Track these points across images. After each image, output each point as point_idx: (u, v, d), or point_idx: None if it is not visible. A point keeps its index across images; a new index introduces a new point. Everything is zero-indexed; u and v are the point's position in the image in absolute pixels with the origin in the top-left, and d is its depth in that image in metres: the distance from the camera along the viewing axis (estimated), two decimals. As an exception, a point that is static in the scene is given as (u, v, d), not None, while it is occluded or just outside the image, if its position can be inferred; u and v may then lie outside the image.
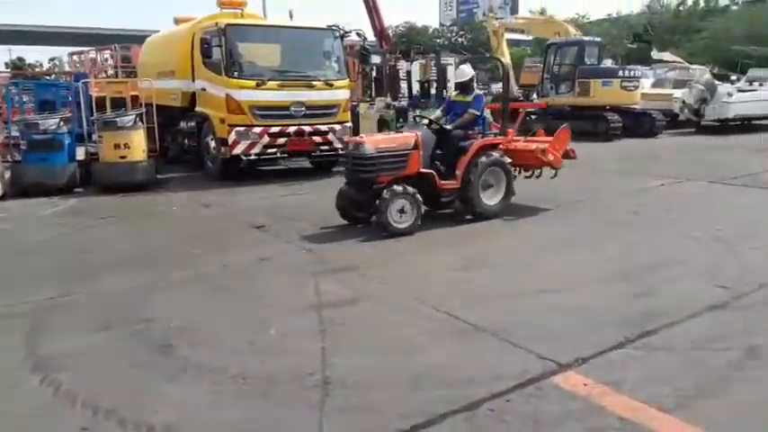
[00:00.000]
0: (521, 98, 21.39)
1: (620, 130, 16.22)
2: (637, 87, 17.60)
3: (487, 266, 5.26)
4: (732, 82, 19.54)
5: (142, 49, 14.05)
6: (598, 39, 19.60)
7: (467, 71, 7.58)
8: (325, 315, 4.23)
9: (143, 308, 4.47)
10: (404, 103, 12.08)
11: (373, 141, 6.57)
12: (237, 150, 9.66)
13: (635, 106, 17.48)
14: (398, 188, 6.29)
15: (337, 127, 10.32)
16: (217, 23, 9.87)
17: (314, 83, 10.10)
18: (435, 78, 12.20)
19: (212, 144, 10.22)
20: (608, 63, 23.14)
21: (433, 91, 12.25)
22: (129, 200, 8.92)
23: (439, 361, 3.49)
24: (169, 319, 4.23)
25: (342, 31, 10.63)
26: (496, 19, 21.68)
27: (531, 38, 28.93)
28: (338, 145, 10.35)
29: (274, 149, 9.89)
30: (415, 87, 13.09)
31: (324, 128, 10.19)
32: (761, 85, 19.61)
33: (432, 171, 6.73)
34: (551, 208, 7.67)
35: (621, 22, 50.02)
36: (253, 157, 9.79)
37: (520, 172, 7.77)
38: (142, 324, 4.16)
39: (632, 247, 5.82)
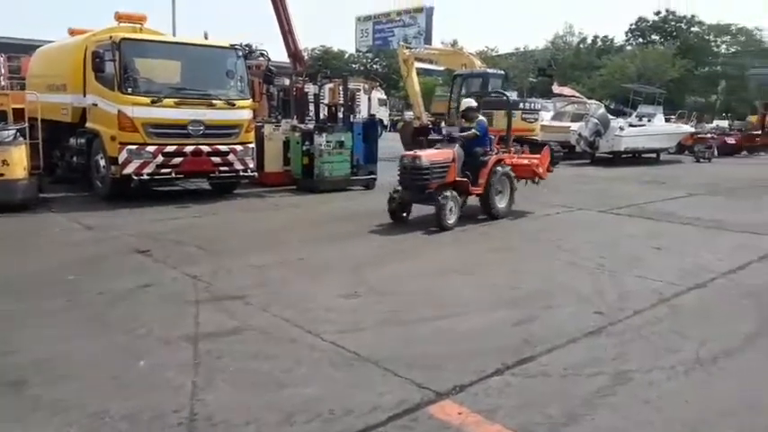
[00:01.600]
0: (430, 126, 21.97)
1: (522, 159, 16.95)
2: (537, 119, 18.59)
3: (378, 293, 5.23)
4: (624, 117, 21.00)
5: (32, 60, 13.20)
6: (501, 71, 20.54)
7: (466, 102, 9.36)
8: (202, 347, 4.03)
9: (1, 339, 4.08)
10: (311, 126, 11.98)
11: (427, 155, 8.15)
12: (128, 170, 9.21)
13: (535, 137, 18.36)
14: (450, 192, 8.02)
15: (239, 148, 10.08)
16: (111, 37, 9.44)
17: (214, 101, 9.83)
18: (343, 102, 12.19)
19: (102, 163, 9.68)
20: (513, 95, 24.27)
21: (340, 115, 12.21)
22: (4, 220, 8.23)
23: (317, 393, 3.39)
24: (30, 351, 3.88)
25: (245, 51, 10.46)
26: (407, 48, 22.22)
27: (442, 68, 29.84)
28: (239, 166, 10.10)
29: (169, 170, 9.50)
30: (324, 111, 13.04)
31: (224, 148, 9.92)
32: (649, 120, 21.24)
33: (465, 179, 8.44)
34: (447, 234, 7.82)
35: (528, 56, 52.90)
36: (145, 178, 9.35)
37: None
38: (-4, 358, 3.79)
39: (520, 274, 6.01)
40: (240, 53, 10.39)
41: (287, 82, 15.10)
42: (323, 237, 7.44)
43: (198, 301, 4.95)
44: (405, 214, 8.50)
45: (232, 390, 3.43)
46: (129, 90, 9.25)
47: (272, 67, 11.09)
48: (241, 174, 10.26)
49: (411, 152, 8.46)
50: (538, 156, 9.99)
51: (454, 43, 49.55)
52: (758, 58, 47.60)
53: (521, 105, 18.41)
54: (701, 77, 47.58)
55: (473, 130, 8.70)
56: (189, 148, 9.61)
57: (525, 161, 9.82)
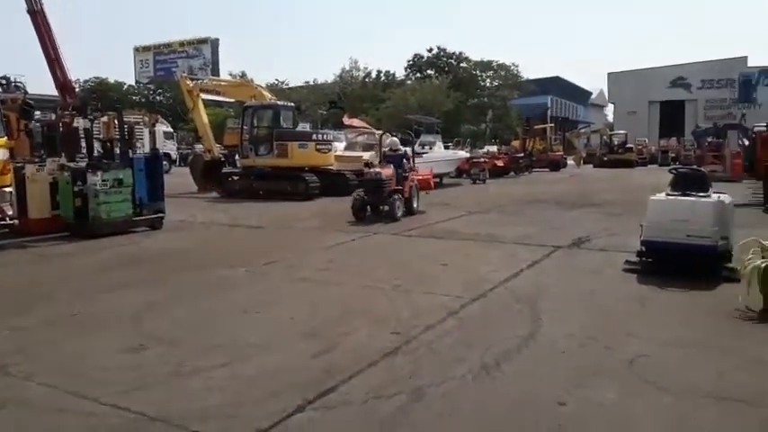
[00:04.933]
0: (222, 159, 21.43)
1: (318, 189, 17.26)
2: (330, 150, 19.13)
3: (165, 343, 4.82)
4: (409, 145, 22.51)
5: None
6: (292, 104, 20.81)
7: (395, 141, 14.12)
8: (-58, 435, 3.34)
9: None
10: (82, 164, 10.86)
11: (383, 171, 12.41)
12: None
13: (331, 167, 18.88)
14: (398, 195, 12.42)
15: (-8, 193, 8.79)
16: None
17: (-44, 141, 8.48)
18: (119, 137, 11.27)
19: None
20: (306, 127, 24.77)
21: (117, 150, 11.25)
22: None
23: (93, 467, 2.99)
24: None
25: (-3, 83, 9.22)
26: (191, 79, 21.52)
27: (232, 100, 29.39)
28: (-7, 214, 8.79)
29: None
30: (99, 147, 11.94)
31: (-28, 195, 8.58)
32: (430, 148, 23.12)
33: (401, 187, 12.69)
34: (243, 270, 7.60)
35: (318, 89, 54.48)
36: None
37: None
38: None
39: (318, 304, 6.00)
40: (-11, 85, 9.12)
41: (53, 116, 13.63)
42: (100, 287, 6.71)
43: (-61, 381, 4.12)
44: (362, 214, 12.25)
45: (-19, 483, 2.88)
46: None
47: (31, 101, 9.86)
48: (-2, 222, 8.93)
49: (372, 169, 12.81)
50: (428, 173, 15.71)
51: (243, 75, 49.21)
52: (516, 90, 54.82)
53: (314, 137, 18.81)
54: (472, 108, 53.14)
55: (406, 159, 13.58)
56: None
57: (421, 176, 14.48)
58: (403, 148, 13.81)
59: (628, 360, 4.37)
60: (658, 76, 65.89)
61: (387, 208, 12.28)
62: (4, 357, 4.51)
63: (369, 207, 12.52)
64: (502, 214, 13.76)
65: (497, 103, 53.55)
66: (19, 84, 9.92)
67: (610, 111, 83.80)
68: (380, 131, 23.68)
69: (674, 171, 7.92)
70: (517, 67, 56.62)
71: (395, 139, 14.34)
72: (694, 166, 11.87)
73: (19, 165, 10.43)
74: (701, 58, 65.51)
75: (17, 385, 4.04)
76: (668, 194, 7.32)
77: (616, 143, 41.51)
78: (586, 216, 12.86)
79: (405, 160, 13.34)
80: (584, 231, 10.27)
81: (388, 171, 12.51)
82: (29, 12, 17.14)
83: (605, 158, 39.55)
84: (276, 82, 52.79)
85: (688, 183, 7.37)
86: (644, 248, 7.16)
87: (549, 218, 12.69)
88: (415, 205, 13.29)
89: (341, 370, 4.18)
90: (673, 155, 43.69)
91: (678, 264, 6.86)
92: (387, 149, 13.94)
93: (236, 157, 21.53)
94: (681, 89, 65.70)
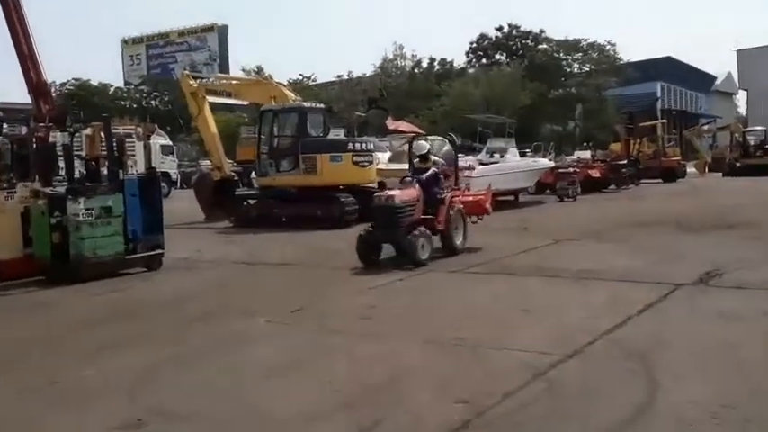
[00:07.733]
0: (234, 178, 21.90)
1: (356, 214, 17.29)
2: (371, 163, 19.17)
3: (169, 417, 4.93)
4: (473, 154, 22.46)
5: None
6: (321, 105, 21.13)
7: (423, 145, 13.04)
8: None
9: None
10: (61, 189, 11.26)
11: (399, 194, 10.90)
12: None
13: (372, 185, 18.90)
14: (421, 230, 10.69)
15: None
16: None
17: None
18: (107, 154, 11.66)
19: None
20: (340, 134, 25.03)
21: (104, 171, 11.61)
22: None
23: None
24: None
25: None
26: (194, 78, 22.11)
27: (246, 102, 30.13)
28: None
29: None
30: (81, 167, 12.39)
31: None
32: (501, 156, 23.00)
33: (431, 216, 11.28)
34: (264, 321, 7.73)
35: (353, 84, 55.34)
36: None
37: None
38: None
39: (360, 362, 6.06)
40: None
41: (24, 130, 14.25)
42: (86, 346, 6.92)
43: None
44: (374, 257, 10.91)
45: None
46: None
47: None
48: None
49: (383, 192, 11.51)
50: (483, 193, 13.44)
51: (259, 71, 50.49)
52: (614, 77, 54.27)
53: (350, 147, 18.80)
54: (556, 102, 52.99)
55: (432, 170, 11.96)
56: None
57: (471, 198, 13.00)
58: (433, 157, 13.21)
59: (778, 437, 4.23)
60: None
61: (404, 248, 10.70)
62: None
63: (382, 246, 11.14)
64: (600, 242, 13.56)
65: (589, 95, 53.17)
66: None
67: (741, 100, 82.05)
68: (435, 137, 23.73)
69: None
70: (614, 46, 56.28)
71: (422, 142, 13.58)
72: None
73: (-19, 192, 10.89)
74: None
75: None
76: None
77: (752, 143, 40.49)
78: (716, 242, 12.54)
79: (435, 170, 12.21)
80: (715, 263, 10.00)
81: (408, 192, 11.09)
82: (-2, -3, 17.92)
83: (738, 164, 38.61)
84: (301, 78, 53.92)
85: None
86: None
87: (665, 245, 12.44)
88: (458, 241, 11.91)
89: (392, 451, 4.19)
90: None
91: None
92: (416, 160, 12.69)
93: (253, 175, 21.94)
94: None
